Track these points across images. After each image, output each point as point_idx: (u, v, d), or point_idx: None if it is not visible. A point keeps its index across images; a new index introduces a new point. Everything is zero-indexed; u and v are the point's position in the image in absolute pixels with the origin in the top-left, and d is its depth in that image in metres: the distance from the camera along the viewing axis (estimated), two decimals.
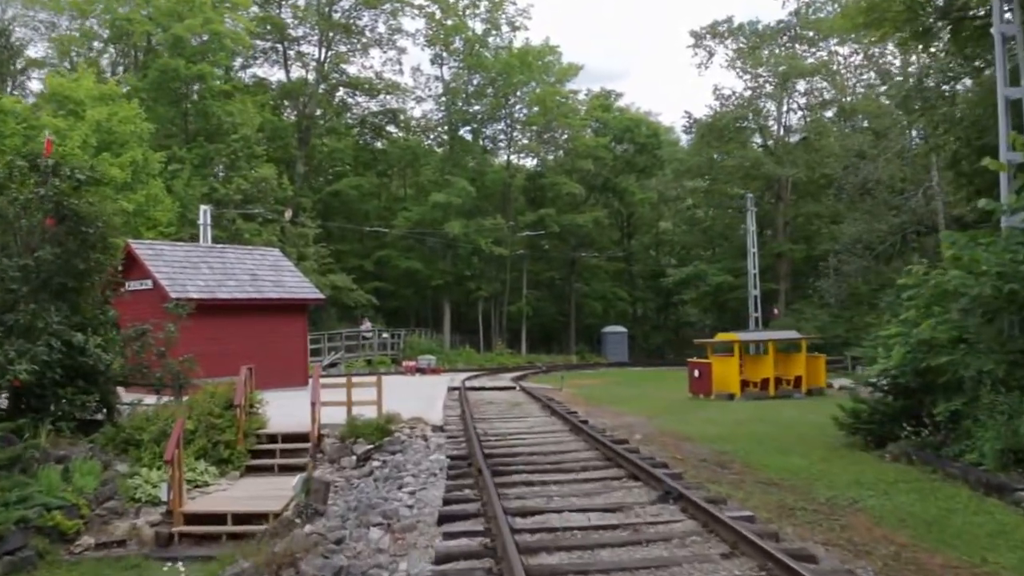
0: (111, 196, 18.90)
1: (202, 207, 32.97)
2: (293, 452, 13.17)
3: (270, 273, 23.96)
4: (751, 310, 42.42)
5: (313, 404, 12.96)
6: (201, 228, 32.51)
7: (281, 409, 14.92)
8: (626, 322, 59.40)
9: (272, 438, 13.46)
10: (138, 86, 38.94)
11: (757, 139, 56.47)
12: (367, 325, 43.91)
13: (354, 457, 12.63)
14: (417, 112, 58.96)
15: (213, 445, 12.67)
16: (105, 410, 14.09)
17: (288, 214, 38.85)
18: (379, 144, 58.06)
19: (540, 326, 59.16)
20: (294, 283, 24.24)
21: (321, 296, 25.64)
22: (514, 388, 26.04)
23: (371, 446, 12.87)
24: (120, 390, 15.21)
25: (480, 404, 20.02)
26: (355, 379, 18.48)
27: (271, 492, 11.38)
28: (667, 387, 28.34)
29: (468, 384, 26.43)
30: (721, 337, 24.97)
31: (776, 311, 39.93)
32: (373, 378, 14.41)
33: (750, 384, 23.33)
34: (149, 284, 21.07)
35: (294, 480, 10.79)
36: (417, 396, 19.84)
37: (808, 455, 11.46)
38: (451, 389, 23.91)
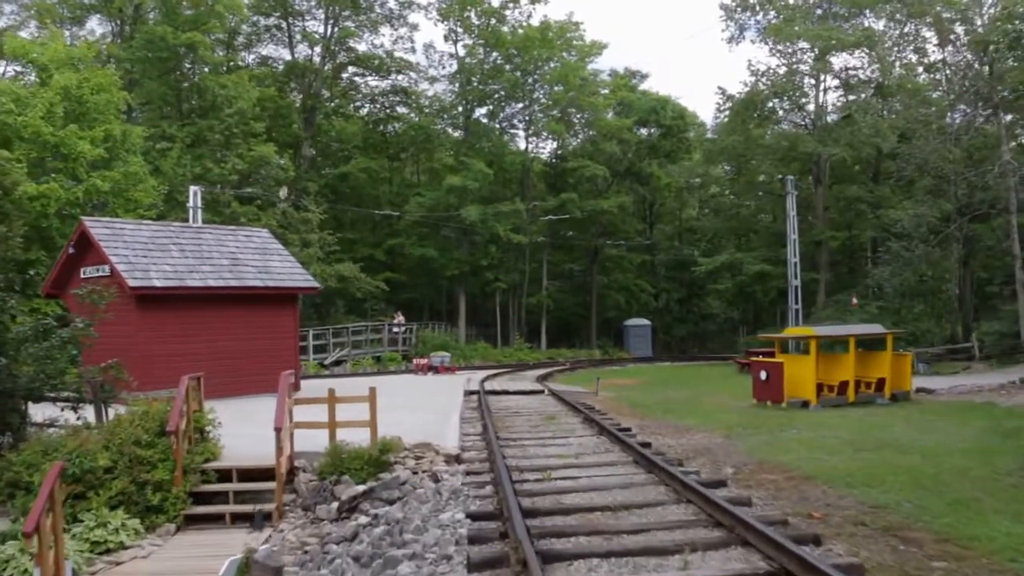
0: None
1: (192, 188, 29.55)
2: (253, 495, 9.50)
3: (255, 257, 20.34)
4: (791, 302, 38.36)
5: (278, 431, 9.26)
6: (190, 211, 29.15)
7: (257, 426, 11.29)
8: (647, 314, 55.84)
9: (225, 474, 9.78)
10: (122, 56, 35.39)
11: (792, 119, 52.34)
12: (400, 319, 40.62)
13: (335, 504, 8.95)
14: (430, 92, 54.97)
15: (139, 488, 9.05)
16: (9, 434, 10.52)
17: (284, 192, 35.17)
18: (390, 127, 54.36)
19: (560, 319, 55.71)
20: (284, 269, 20.61)
21: (316, 285, 21.99)
22: (542, 392, 22.27)
23: (360, 488, 9.16)
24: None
25: (505, 416, 16.28)
26: (349, 380, 14.99)
27: (208, 563, 7.71)
28: (717, 389, 24.51)
29: (487, 386, 22.89)
30: (792, 332, 21.03)
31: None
32: (365, 389, 10.64)
33: (824, 388, 19.43)
34: (106, 271, 17.58)
35: (223, 565, 7.05)
36: (427, 406, 16.25)
37: (1020, 515, 7.53)
38: (468, 393, 20.41)
